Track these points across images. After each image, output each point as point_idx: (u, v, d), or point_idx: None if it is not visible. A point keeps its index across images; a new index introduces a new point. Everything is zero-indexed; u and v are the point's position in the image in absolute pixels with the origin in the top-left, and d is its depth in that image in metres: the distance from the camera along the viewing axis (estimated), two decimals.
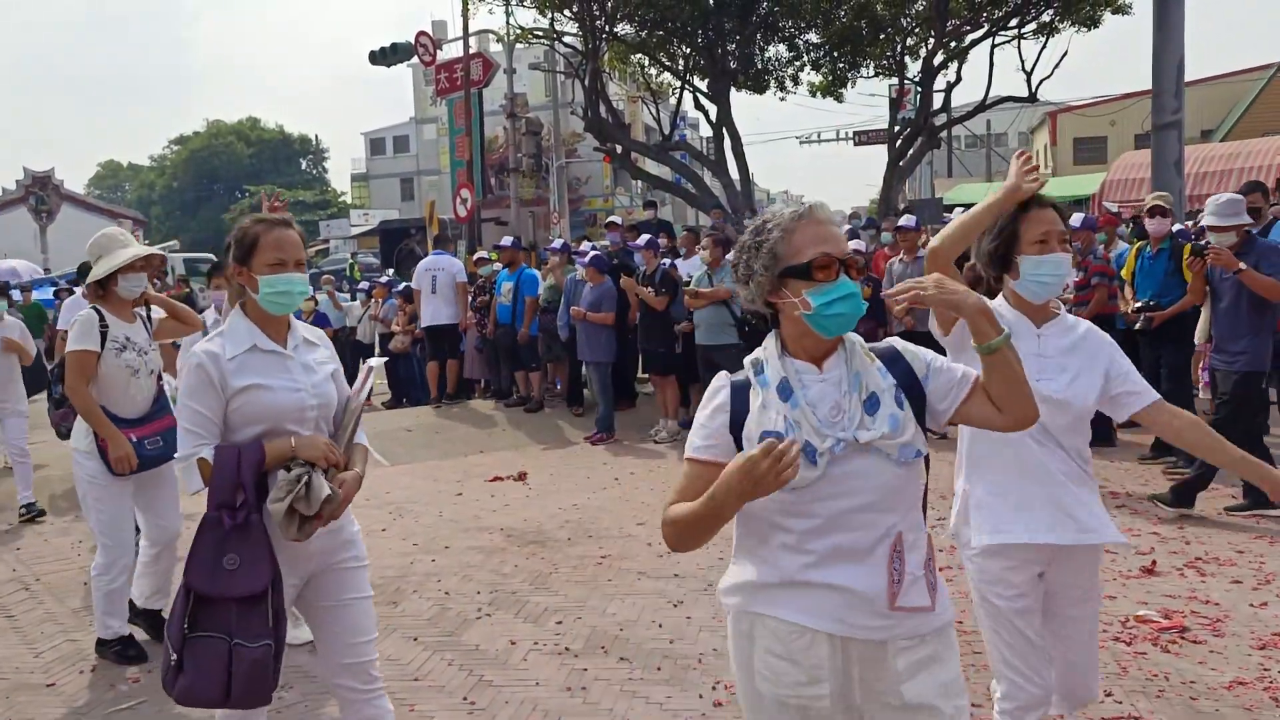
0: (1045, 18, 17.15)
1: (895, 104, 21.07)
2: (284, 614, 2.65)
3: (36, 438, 7.66)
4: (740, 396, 2.00)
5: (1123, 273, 7.59)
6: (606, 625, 4.63)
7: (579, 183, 35.23)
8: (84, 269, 9.40)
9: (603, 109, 17.72)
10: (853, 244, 8.13)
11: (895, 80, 19.90)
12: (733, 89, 18.37)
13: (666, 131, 19.59)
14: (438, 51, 18.72)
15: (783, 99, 19.53)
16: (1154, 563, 5.07)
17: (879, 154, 26.85)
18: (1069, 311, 2.80)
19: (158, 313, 4.65)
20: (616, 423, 9.39)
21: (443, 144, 32.31)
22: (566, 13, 17.33)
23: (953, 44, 17.88)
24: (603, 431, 9.27)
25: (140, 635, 4.56)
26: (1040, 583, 2.65)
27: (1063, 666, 2.70)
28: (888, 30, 17.99)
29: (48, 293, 17.46)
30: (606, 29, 17.35)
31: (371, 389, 2.98)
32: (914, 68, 18.89)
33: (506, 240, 11.29)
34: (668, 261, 9.70)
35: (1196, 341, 6.75)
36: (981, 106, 18.00)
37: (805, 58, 18.79)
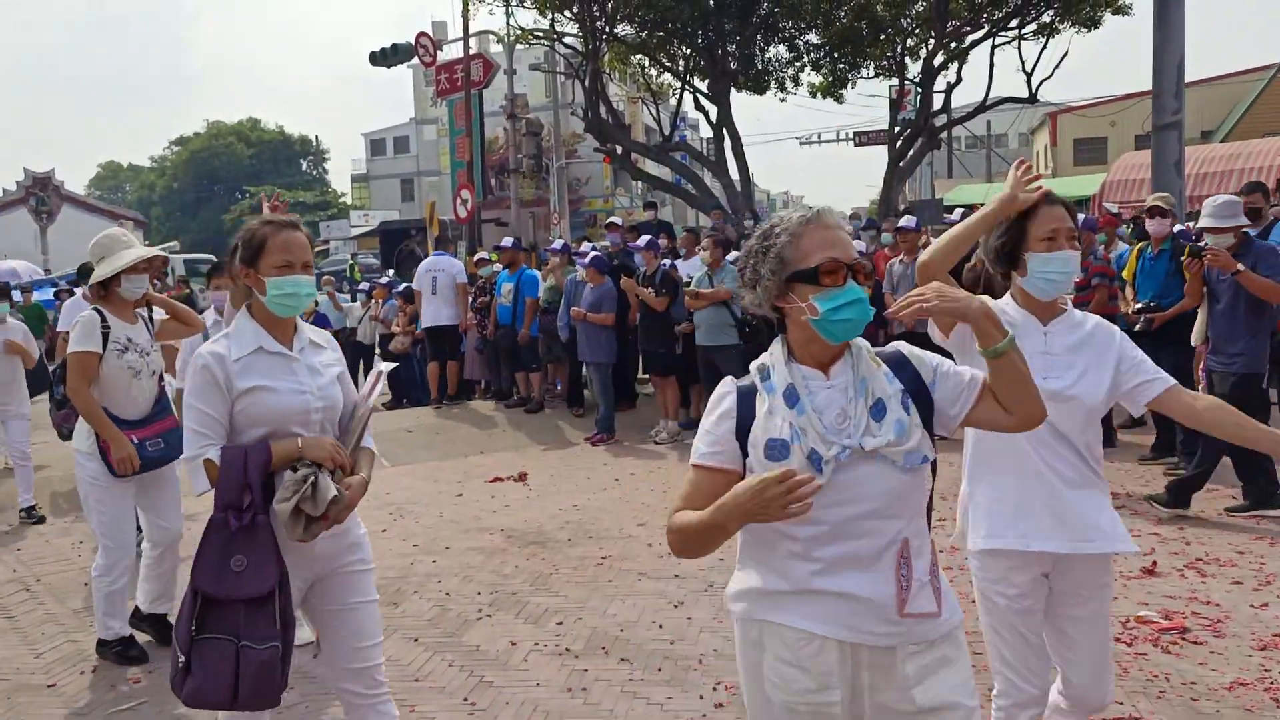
0: (1045, 18, 17.16)
1: (895, 105, 21.07)
2: (292, 615, 2.65)
3: (38, 438, 7.66)
4: (746, 402, 1.99)
5: (1124, 273, 7.59)
6: (607, 626, 4.63)
7: (579, 183, 35.24)
8: (84, 270, 9.44)
9: (603, 110, 17.73)
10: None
11: (895, 81, 19.90)
12: (733, 90, 18.37)
13: (667, 132, 19.60)
14: (438, 52, 18.72)
15: (783, 100, 19.55)
16: (1155, 563, 5.08)
17: (879, 155, 26.84)
18: None
19: (159, 314, 4.65)
20: (617, 423, 9.39)
21: (443, 145, 32.35)
22: (567, 14, 17.34)
23: (953, 45, 17.90)
24: (603, 432, 9.28)
25: (141, 637, 4.56)
26: (1044, 583, 2.63)
27: (1072, 670, 2.66)
28: (888, 31, 17.99)
29: (48, 293, 17.46)
30: (607, 30, 17.36)
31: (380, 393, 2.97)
32: (914, 68, 18.90)
33: (507, 241, 11.29)
34: (668, 262, 9.70)
35: (1193, 343, 6.76)
36: (982, 107, 18.01)
37: (805, 58, 18.79)
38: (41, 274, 23.73)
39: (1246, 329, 5.82)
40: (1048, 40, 17.40)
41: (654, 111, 20.42)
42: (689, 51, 18.32)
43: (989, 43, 17.70)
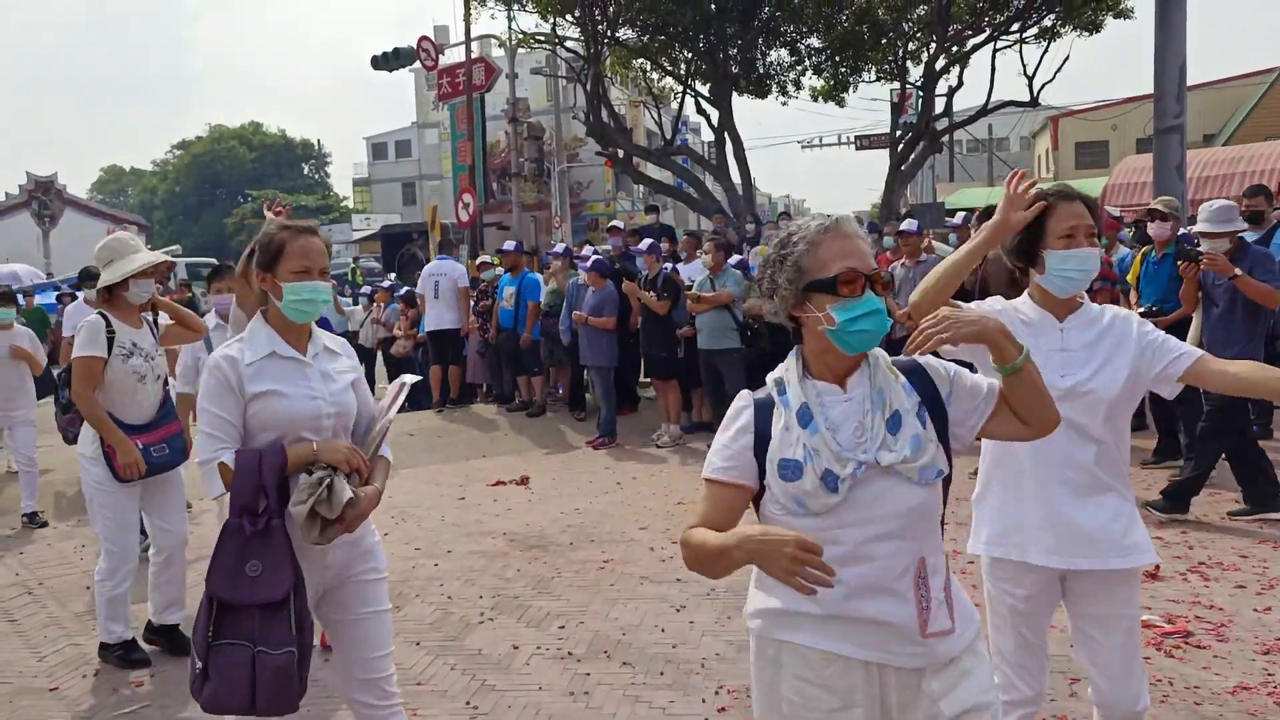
0: (1047, 22, 17.21)
1: (897, 108, 21.08)
2: (308, 620, 2.63)
3: (42, 442, 7.66)
4: (764, 416, 1.95)
5: (1129, 277, 7.58)
6: (609, 630, 4.63)
7: (581, 187, 35.30)
8: (85, 273, 9.44)
9: (604, 114, 17.77)
10: None
11: (897, 85, 19.95)
12: (734, 93, 18.42)
13: (668, 136, 19.64)
14: (440, 56, 18.75)
15: (784, 103, 19.71)
16: (1157, 567, 5.06)
17: (881, 158, 26.88)
18: None
19: (162, 318, 4.65)
20: (618, 427, 9.39)
21: (445, 149, 32.35)
22: (568, 18, 17.39)
23: (954, 48, 17.93)
24: (605, 436, 9.27)
25: (147, 645, 4.56)
26: (1056, 586, 2.61)
27: (1096, 673, 2.61)
28: (889, 35, 18.04)
29: (50, 297, 17.48)
30: (608, 34, 17.40)
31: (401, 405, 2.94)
32: (916, 72, 18.96)
33: (509, 245, 11.28)
34: (669, 266, 9.69)
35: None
36: (983, 111, 18.04)
37: (807, 62, 18.84)
38: (43, 277, 23.76)
39: (1243, 333, 5.80)
40: (1049, 44, 17.45)
41: (655, 115, 20.48)
42: (690, 55, 18.36)
43: (990, 46, 17.75)
